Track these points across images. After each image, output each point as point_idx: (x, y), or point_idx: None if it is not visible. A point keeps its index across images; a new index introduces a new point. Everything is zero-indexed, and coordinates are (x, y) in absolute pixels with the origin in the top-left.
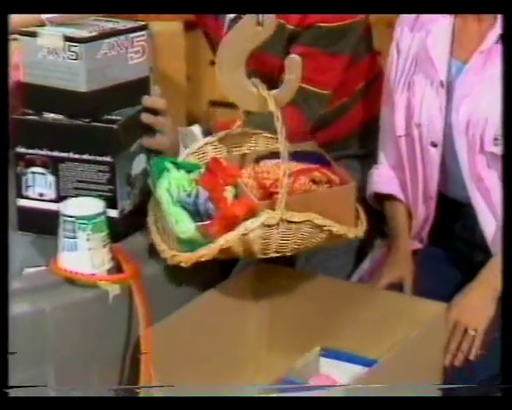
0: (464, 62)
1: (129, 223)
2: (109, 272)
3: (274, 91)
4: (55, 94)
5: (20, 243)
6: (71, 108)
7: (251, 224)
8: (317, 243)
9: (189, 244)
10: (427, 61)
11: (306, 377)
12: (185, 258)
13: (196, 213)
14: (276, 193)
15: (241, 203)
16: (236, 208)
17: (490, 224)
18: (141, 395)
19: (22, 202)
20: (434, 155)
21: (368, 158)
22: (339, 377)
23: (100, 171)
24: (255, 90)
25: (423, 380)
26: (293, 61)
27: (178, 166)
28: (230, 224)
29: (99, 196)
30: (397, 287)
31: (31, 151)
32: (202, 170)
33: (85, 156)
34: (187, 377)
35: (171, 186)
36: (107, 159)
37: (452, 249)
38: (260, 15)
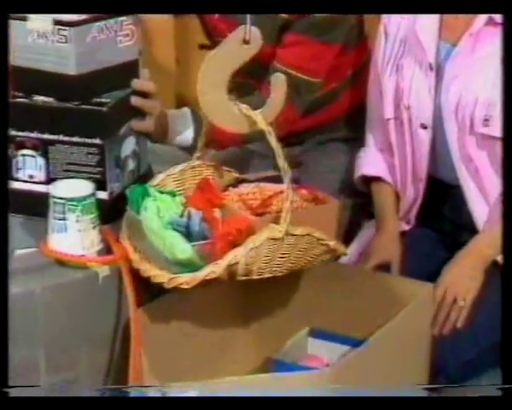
0: (454, 45)
1: (118, 205)
2: (99, 253)
3: (258, 111)
4: (44, 77)
5: (10, 225)
6: (61, 91)
7: (259, 237)
8: (312, 260)
9: (186, 266)
10: (416, 44)
11: (295, 357)
12: (188, 279)
13: (188, 235)
14: (264, 213)
15: (239, 219)
16: (237, 224)
17: (478, 204)
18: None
19: (12, 184)
20: (424, 137)
21: (356, 141)
22: (327, 357)
23: (89, 153)
24: (238, 111)
25: (410, 360)
26: (278, 80)
27: (158, 191)
28: (233, 241)
29: (89, 178)
30: (384, 268)
31: (21, 134)
32: (188, 191)
33: (75, 139)
34: (175, 358)
35: (160, 210)
36: (97, 141)
37: (439, 230)
38: (247, 32)
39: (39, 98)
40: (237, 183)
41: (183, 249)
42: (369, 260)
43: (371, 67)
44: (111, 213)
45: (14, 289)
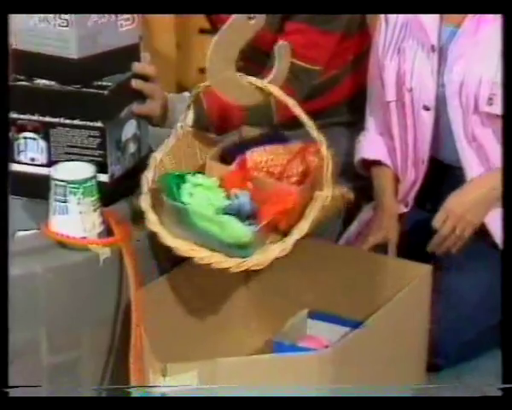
0: (457, 27)
1: (119, 187)
2: (100, 235)
3: (265, 80)
4: (46, 61)
5: (12, 207)
6: (62, 75)
7: (315, 209)
8: (326, 215)
9: (244, 249)
10: (418, 26)
11: (295, 338)
12: (259, 261)
13: (240, 216)
14: (288, 177)
15: (282, 195)
16: (292, 198)
17: None
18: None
19: (14, 167)
20: (426, 118)
21: (356, 126)
22: (326, 338)
23: (90, 136)
24: (249, 84)
25: (409, 341)
26: (283, 48)
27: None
28: (295, 213)
29: (90, 161)
30: (382, 249)
31: (22, 117)
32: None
33: (76, 122)
34: (176, 338)
35: (210, 196)
36: (98, 124)
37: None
38: None
39: (41, 81)
40: (237, 148)
41: (245, 233)
42: (367, 240)
43: (372, 52)
44: (112, 195)
45: (16, 270)
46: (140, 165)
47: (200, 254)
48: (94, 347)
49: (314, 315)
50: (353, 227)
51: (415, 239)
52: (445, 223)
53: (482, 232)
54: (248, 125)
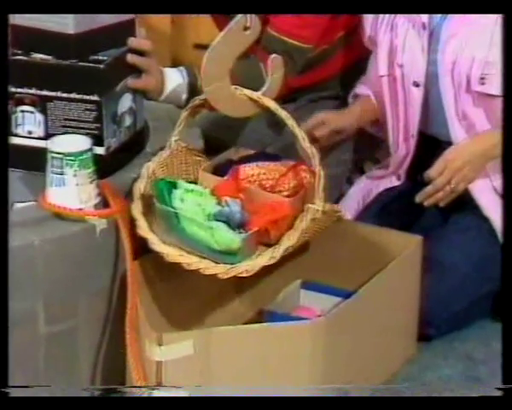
0: None
1: (115, 160)
2: (96, 207)
3: (259, 92)
4: (44, 36)
5: (9, 179)
6: (59, 50)
7: (306, 220)
8: (318, 229)
9: (233, 255)
10: None
11: (288, 308)
12: (248, 267)
13: (229, 224)
14: (280, 191)
15: (273, 205)
16: (284, 209)
17: None
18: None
19: (12, 140)
20: (416, 94)
21: (346, 99)
22: (319, 308)
23: (87, 109)
24: (242, 95)
25: (400, 311)
26: (277, 61)
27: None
28: (285, 224)
29: (86, 134)
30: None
31: (20, 90)
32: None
33: (73, 95)
34: (170, 309)
35: (200, 202)
36: (94, 98)
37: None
38: (248, 18)
39: (38, 56)
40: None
41: (234, 240)
42: (324, 127)
43: (365, 26)
44: (108, 167)
45: (14, 241)
46: (135, 138)
47: (189, 260)
48: (90, 317)
49: (307, 286)
50: (346, 201)
51: (406, 211)
52: (441, 174)
53: (471, 204)
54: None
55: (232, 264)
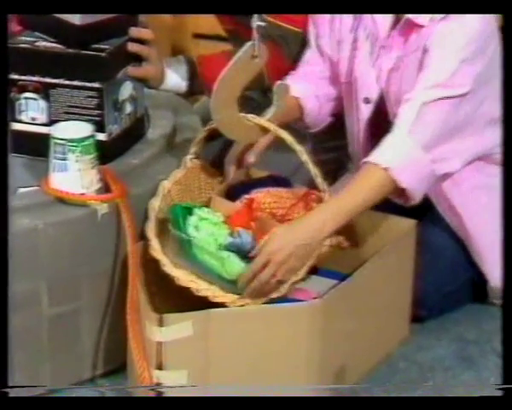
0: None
1: (116, 146)
2: (98, 191)
3: (265, 118)
4: (49, 22)
5: (13, 165)
6: (63, 38)
7: (315, 255)
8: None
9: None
10: (369, 19)
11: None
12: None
13: (239, 254)
14: (290, 220)
15: None
16: None
17: None
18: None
19: (15, 126)
20: (365, 110)
21: None
22: (315, 290)
23: (89, 96)
24: (249, 122)
25: (395, 293)
26: (282, 88)
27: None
28: None
29: (88, 121)
30: None
31: (23, 77)
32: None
33: (75, 82)
34: (171, 291)
35: (214, 231)
36: (96, 85)
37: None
38: (256, 48)
39: (41, 43)
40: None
41: (243, 270)
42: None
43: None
44: (109, 153)
45: (18, 226)
46: (136, 125)
47: (198, 287)
48: (92, 299)
49: None
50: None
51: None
52: (264, 267)
53: None
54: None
55: (240, 294)
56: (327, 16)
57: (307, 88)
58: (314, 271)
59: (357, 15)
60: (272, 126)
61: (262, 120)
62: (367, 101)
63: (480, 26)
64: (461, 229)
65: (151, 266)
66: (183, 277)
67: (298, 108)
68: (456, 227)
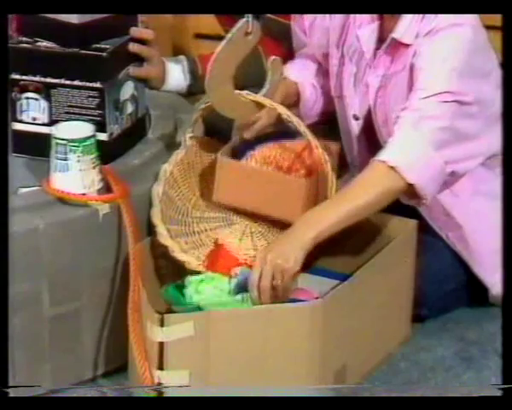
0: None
1: (117, 146)
2: (99, 191)
3: (260, 94)
4: (49, 24)
5: (14, 165)
6: (64, 38)
7: None
8: None
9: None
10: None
11: None
12: None
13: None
14: (297, 170)
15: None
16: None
17: None
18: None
19: (16, 126)
20: (355, 126)
21: None
22: (317, 291)
23: (90, 96)
24: (244, 99)
25: (395, 293)
26: (276, 63)
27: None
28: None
29: (89, 121)
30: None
31: (25, 77)
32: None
33: (76, 82)
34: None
35: (216, 286)
36: (97, 85)
37: None
38: (250, 25)
39: (42, 44)
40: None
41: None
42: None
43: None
44: (110, 153)
45: (19, 226)
46: (137, 125)
47: None
48: (94, 299)
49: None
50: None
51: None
52: (260, 278)
53: None
54: (241, 86)
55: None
56: (316, 28)
57: (306, 75)
58: (316, 271)
59: (343, 32)
60: (268, 101)
61: (257, 96)
62: (356, 117)
63: (466, 36)
64: (460, 241)
65: (153, 265)
66: (193, 262)
67: (296, 94)
68: (455, 240)
